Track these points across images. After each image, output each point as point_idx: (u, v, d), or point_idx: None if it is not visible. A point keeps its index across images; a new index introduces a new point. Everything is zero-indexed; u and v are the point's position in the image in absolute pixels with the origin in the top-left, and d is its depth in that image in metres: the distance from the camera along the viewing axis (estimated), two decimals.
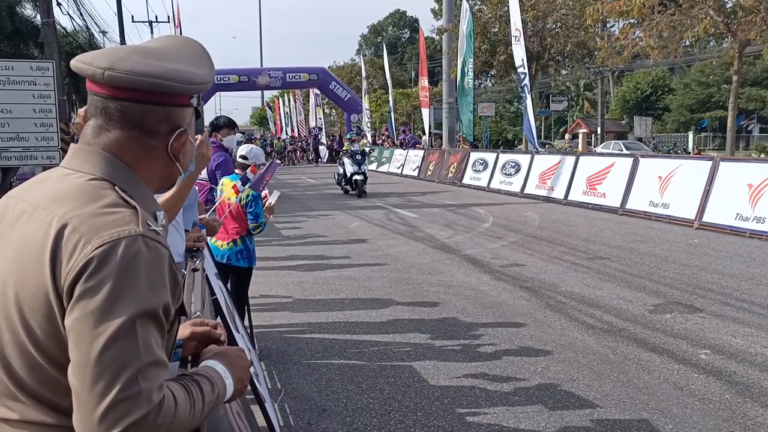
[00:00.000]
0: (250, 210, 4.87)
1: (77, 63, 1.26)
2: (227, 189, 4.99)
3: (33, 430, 1.17)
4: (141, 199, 1.24)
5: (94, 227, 1.13)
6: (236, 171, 5.15)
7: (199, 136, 3.18)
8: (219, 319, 2.81)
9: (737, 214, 9.84)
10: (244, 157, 5.10)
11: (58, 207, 1.16)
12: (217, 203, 4.95)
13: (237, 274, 4.96)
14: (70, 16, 50.59)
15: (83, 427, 1.05)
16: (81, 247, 1.11)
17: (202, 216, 4.15)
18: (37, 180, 1.29)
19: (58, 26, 16.10)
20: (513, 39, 18.72)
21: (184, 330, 1.53)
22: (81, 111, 1.35)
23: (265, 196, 5.07)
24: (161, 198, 3.06)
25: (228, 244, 4.90)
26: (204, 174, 5.82)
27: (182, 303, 1.29)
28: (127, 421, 1.04)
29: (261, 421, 2.84)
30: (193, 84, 1.29)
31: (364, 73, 36.52)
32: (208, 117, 13.20)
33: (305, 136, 44.36)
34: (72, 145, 1.30)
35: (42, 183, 1.26)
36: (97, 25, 50.58)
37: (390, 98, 33.18)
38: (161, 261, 1.17)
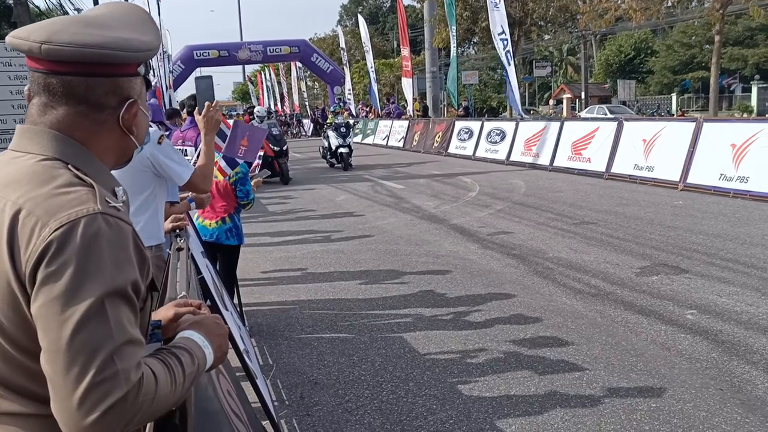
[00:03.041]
0: (241, 188, 4.82)
1: (12, 39, 1.19)
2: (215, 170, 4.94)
3: (10, 422, 1.14)
4: (97, 176, 1.19)
5: (50, 209, 1.08)
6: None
7: (207, 103, 3.36)
8: (206, 299, 2.80)
9: (721, 174, 9.90)
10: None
11: (9, 192, 1.12)
12: None
13: (226, 253, 4.93)
14: None
15: (62, 414, 1.03)
16: (38, 231, 1.06)
17: (183, 195, 4.11)
18: None
19: (31, 5, 15.73)
20: (490, 5, 18.45)
21: (168, 311, 1.51)
22: (25, 90, 1.29)
23: (255, 167, 5.03)
24: (200, 166, 3.29)
25: (216, 222, 4.85)
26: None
27: (153, 279, 1.24)
28: (106, 403, 1.01)
29: (253, 398, 2.85)
30: (139, 51, 1.24)
31: (343, 45, 36.09)
32: (189, 92, 13.12)
33: (289, 110, 43.95)
34: (18, 126, 1.24)
35: None
36: (71, 2, 49.46)
37: (371, 69, 32.83)
38: (124, 238, 1.13)
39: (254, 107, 18.23)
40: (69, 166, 1.18)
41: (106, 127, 1.25)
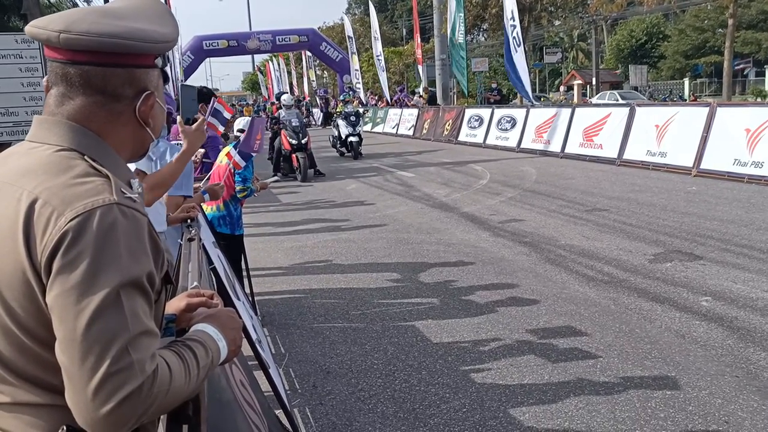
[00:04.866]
0: (239, 171, 4.79)
1: (31, 28, 1.20)
2: (223, 155, 4.94)
3: (26, 412, 1.14)
4: (113, 168, 1.19)
5: (66, 199, 1.08)
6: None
7: (199, 115, 3.21)
8: (217, 289, 2.79)
9: (735, 159, 9.79)
10: (241, 131, 5.08)
11: (26, 181, 1.12)
12: (212, 170, 4.91)
13: (223, 241, 4.90)
14: None
15: (77, 404, 1.03)
16: (54, 221, 1.06)
17: (197, 185, 4.12)
18: (3, 156, 1.24)
19: None
20: None
21: (180, 302, 1.50)
22: (43, 81, 1.31)
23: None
24: (154, 174, 3.06)
25: (211, 208, 4.81)
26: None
27: (167, 271, 1.25)
28: (121, 393, 1.01)
29: (266, 387, 2.85)
30: (156, 42, 1.24)
31: (350, 33, 35.89)
32: (199, 83, 12.84)
33: (302, 98, 43.93)
34: (35, 116, 1.24)
35: (7, 159, 1.21)
36: None
37: (381, 57, 32.68)
38: (140, 229, 1.13)
39: (283, 94, 17.58)
40: (85, 157, 1.18)
41: (123, 118, 1.25)
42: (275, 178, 5.34)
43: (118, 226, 1.08)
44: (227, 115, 4.59)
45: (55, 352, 1.06)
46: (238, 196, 4.84)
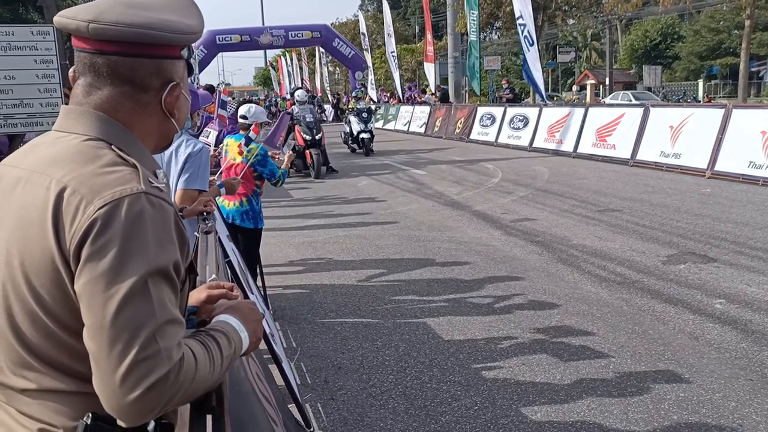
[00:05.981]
0: (262, 169, 4.85)
1: (60, 18, 1.21)
2: (232, 150, 4.95)
3: (52, 399, 1.15)
4: (139, 158, 1.20)
5: (95, 187, 1.09)
6: (240, 131, 5.11)
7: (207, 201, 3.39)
8: (233, 282, 2.80)
9: (750, 162, 9.71)
10: (243, 117, 5.09)
11: (55, 170, 1.13)
12: (223, 166, 4.92)
13: (244, 235, 4.94)
14: None
15: (105, 391, 1.04)
16: (83, 209, 1.07)
17: (212, 178, 4.12)
18: (31, 145, 1.25)
19: None
20: None
21: (201, 293, 1.51)
22: (70, 72, 1.32)
23: (274, 156, 5.05)
24: None
25: (234, 204, 4.86)
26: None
27: (192, 261, 1.26)
28: (148, 381, 1.02)
29: (279, 380, 2.86)
30: (183, 33, 1.24)
31: (364, 29, 35.86)
32: (212, 79, 12.83)
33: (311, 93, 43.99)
34: (63, 106, 1.25)
35: (36, 148, 1.22)
36: None
37: (394, 54, 32.62)
38: (167, 218, 1.13)
39: (297, 90, 17.52)
40: (112, 146, 1.19)
41: (149, 109, 1.26)
42: (292, 142, 5.40)
43: (146, 214, 1.09)
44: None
45: (83, 338, 1.06)
46: (276, 186, 4.99)
